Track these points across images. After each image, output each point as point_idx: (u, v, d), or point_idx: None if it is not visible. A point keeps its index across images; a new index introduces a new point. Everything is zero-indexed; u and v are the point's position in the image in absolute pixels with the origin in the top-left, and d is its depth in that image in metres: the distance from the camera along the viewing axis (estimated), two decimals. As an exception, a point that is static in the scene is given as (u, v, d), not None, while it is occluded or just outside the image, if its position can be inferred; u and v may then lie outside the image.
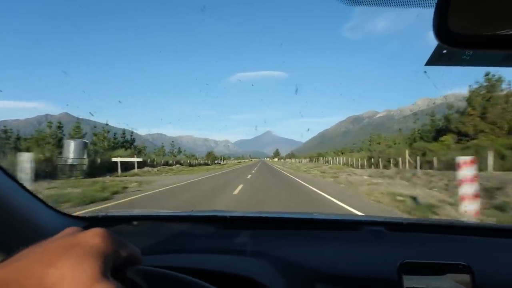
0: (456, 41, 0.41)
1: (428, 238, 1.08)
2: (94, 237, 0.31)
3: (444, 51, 0.54)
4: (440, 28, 0.41)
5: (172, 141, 53.60)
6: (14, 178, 0.79)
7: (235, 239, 1.07)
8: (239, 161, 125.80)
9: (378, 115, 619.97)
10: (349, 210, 5.92)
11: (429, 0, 0.46)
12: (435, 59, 0.57)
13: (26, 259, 0.28)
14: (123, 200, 7.58)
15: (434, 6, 0.41)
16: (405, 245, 1.04)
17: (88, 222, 1.11)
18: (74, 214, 1.10)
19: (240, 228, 1.20)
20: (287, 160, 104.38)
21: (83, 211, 5.63)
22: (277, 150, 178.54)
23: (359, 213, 5.48)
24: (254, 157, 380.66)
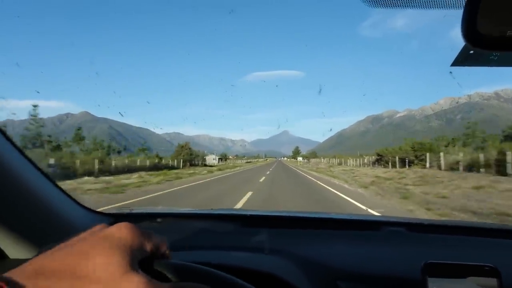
0: (485, 42, 0.41)
1: (451, 240, 1.06)
2: (122, 230, 0.33)
3: (471, 52, 0.53)
4: (469, 29, 0.41)
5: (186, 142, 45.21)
6: (46, 175, 0.82)
7: (255, 237, 1.08)
8: (248, 160, 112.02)
9: (399, 115, 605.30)
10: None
11: (454, 0, 0.46)
12: (462, 60, 0.55)
13: (60, 252, 0.31)
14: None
15: (461, 7, 0.41)
16: (427, 246, 1.02)
17: (114, 219, 1.15)
18: (100, 210, 1.13)
19: (259, 227, 1.21)
20: (312, 160, 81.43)
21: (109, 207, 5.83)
22: (296, 148, 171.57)
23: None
24: (270, 156, 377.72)
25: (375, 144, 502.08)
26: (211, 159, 66.63)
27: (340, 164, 45.63)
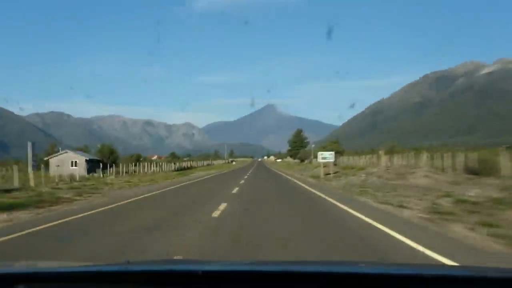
0: None
1: None
2: None
3: None
4: None
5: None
6: None
7: None
8: (188, 165, 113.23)
9: (485, 71, 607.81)
10: None
11: None
12: None
13: None
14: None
15: None
16: None
17: None
18: None
19: None
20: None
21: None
22: (298, 132, 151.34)
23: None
24: (241, 155, 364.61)
25: (443, 124, 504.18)
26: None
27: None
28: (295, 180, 40.92)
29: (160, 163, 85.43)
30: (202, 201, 20.84)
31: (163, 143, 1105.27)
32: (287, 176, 50.07)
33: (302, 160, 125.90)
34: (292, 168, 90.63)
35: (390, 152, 61.94)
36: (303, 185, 33.41)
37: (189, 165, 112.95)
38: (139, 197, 22.96)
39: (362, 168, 49.12)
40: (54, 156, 67.21)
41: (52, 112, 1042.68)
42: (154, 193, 25.85)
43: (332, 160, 45.81)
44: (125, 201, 20.50)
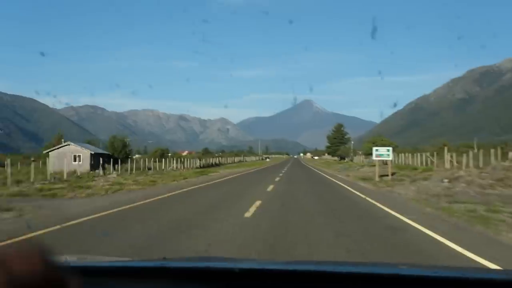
0: None
1: None
2: None
3: None
4: None
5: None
6: None
7: None
8: (216, 163, 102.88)
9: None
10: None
11: None
12: None
13: None
14: None
15: None
16: None
17: None
18: None
19: None
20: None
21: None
22: (339, 127, 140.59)
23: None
24: (275, 152, 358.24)
25: (487, 121, 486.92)
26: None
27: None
28: (342, 184, 30.75)
29: (182, 160, 76.05)
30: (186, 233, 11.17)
31: (197, 138, 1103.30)
32: (330, 178, 39.56)
33: (342, 158, 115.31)
34: (331, 166, 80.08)
35: (440, 150, 53.15)
36: (356, 192, 23.43)
37: (217, 162, 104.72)
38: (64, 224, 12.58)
39: (428, 169, 38.36)
40: (54, 149, 57.81)
41: (86, 105, 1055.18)
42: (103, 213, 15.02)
43: (390, 158, 35.52)
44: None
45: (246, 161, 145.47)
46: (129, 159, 60.82)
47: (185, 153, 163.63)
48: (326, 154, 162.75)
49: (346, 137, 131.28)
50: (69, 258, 2.80)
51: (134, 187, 25.75)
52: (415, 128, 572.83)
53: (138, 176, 38.79)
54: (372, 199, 19.28)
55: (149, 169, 58.04)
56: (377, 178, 33.08)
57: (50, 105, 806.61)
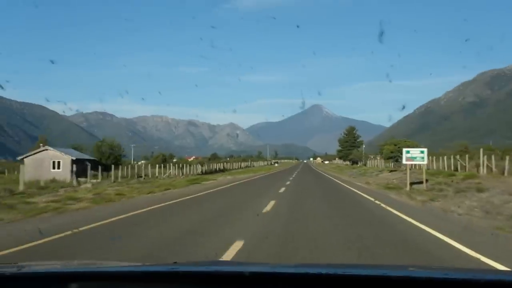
0: None
1: None
2: None
3: None
4: None
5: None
6: None
7: None
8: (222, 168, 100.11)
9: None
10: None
11: None
12: None
13: None
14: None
15: None
16: None
17: None
18: None
19: None
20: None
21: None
22: (351, 129, 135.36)
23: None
24: (285, 157, 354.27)
25: (498, 125, 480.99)
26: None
27: None
28: (364, 194, 24.16)
29: (181, 166, 70.00)
30: None
31: (206, 143, 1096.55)
32: (347, 187, 32.53)
33: (355, 162, 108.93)
34: (344, 172, 72.48)
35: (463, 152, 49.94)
36: (392, 210, 16.55)
37: (221, 167, 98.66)
38: None
39: (471, 176, 31.01)
40: (30, 155, 49.76)
41: (95, 112, 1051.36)
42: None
43: (424, 162, 28.42)
44: None
45: (253, 166, 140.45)
46: (119, 165, 54.24)
47: (191, 159, 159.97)
48: (337, 159, 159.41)
49: (358, 140, 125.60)
50: (79, 263, 2.73)
51: (81, 205, 18.49)
52: (425, 131, 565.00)
53: (116, 186, 32.43)
54: (425, 225, 12.24)
55: (140, 176, 51.65)
56: (407, 187, 26.23)
57: (60, 112, 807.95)
